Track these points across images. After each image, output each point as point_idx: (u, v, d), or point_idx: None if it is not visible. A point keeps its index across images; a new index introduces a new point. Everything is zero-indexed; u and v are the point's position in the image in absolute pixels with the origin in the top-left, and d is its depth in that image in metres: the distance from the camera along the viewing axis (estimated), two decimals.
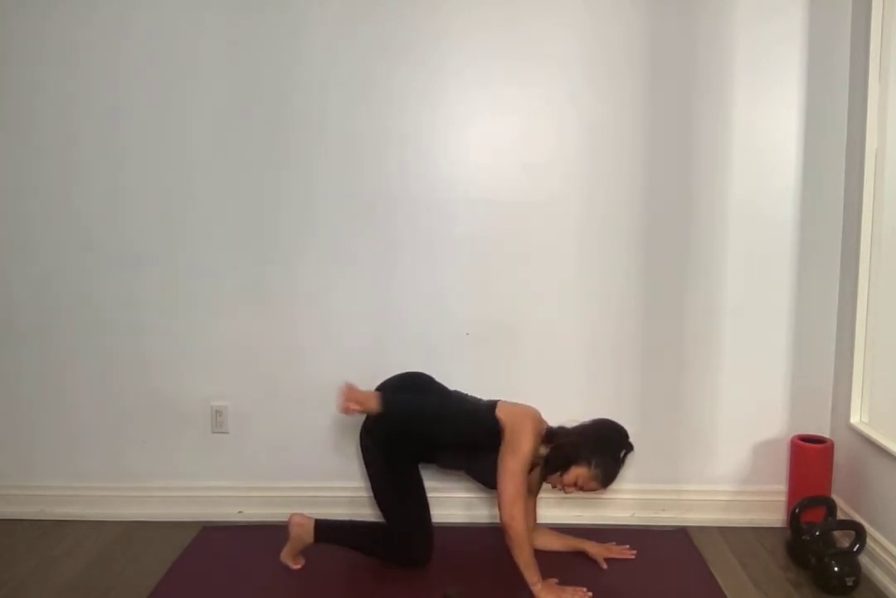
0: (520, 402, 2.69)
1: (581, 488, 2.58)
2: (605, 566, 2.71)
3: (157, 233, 3.07)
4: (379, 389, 2.72)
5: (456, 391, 2.78)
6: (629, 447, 2.61)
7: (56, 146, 3.04)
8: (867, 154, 2.76)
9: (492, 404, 2.67)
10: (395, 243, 3.05)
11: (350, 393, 2.56)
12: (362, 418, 2.73)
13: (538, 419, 2.61)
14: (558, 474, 2.56)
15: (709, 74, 2.94)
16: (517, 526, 2.45)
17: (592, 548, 2.77)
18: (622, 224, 3.01)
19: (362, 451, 2.74)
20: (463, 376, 2.94)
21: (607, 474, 2.56)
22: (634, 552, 2.80)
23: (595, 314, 3.05)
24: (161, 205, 3.06)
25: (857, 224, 2.81)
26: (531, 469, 2.65)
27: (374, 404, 2.57)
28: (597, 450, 2.55)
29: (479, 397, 2.77)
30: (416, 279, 3.05)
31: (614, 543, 2.83)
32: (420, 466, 2.74)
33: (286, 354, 3.05)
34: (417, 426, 2.64)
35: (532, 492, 2.76)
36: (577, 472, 2.54)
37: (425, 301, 3.06)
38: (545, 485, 2.69)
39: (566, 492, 2.61)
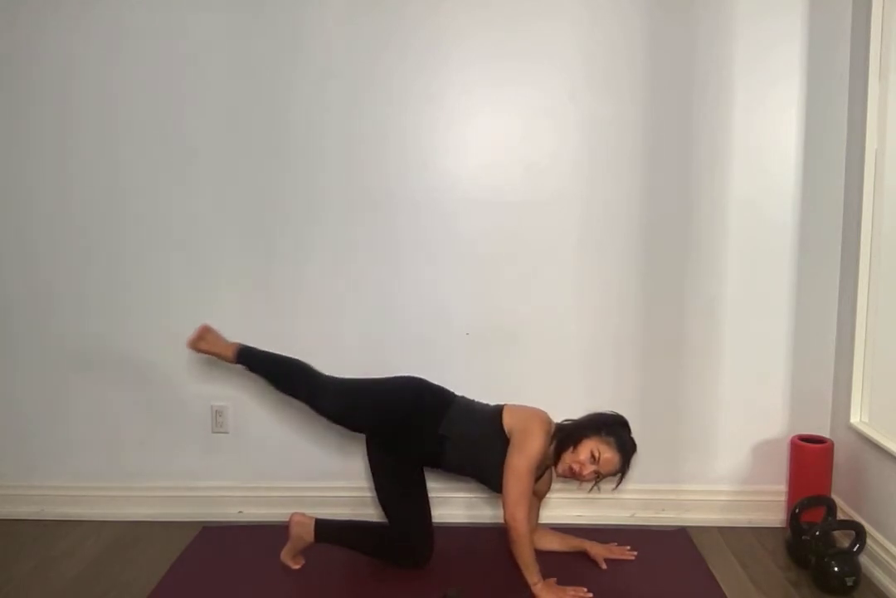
0: (526, 404, 2.68)
1: (600, 468, 2.47)
2: (604, 566, 2.71)
3: (156, 233, 3.07)
4: (389, 396, 2.72)
5: (462, 397, 2.76)
6: (635, 446, 2.56)
7: (53, 145, 3.04)
8: (867, 154, 2.76)
9: (498, 409, 2.66)
10: (395, 243, 3.05)
11: (203, 332, 2.72)
12: None
13: (547, 420, 2.60)
14: (570, 450, 2.48)
15: (709, 74, 2.94)
16: (519, 527, 2.44)
17: (593, 548, 2.77)
18: (622, 224, 3.01)
19: (368, 453, 2.73)
20: (463, 377, 2.94)
21: (621, 441, 2.49)
22: (635, 553, 2.79)
23: (595, 314, 3.05)
24: (160, 205, 3.06)
25: (857, 224, 2.81)
26: (541, 474, 2.64)
27: (227, 353, 2.72)
28: (602, 423, 2.53)
29: (485, 402, 2.75)
30: (416, 279, 3.05)
31: (615, 544, 2.83)
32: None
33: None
34: (420, 428, 2.64)
35: (539, 496, 2.75)
36: (589, 444, 2.47)
37: (425, 301, 3.06)
38: (562, 485, 2.64)
39: (584, 477, 2.48)
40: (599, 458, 2.47)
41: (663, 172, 2.99)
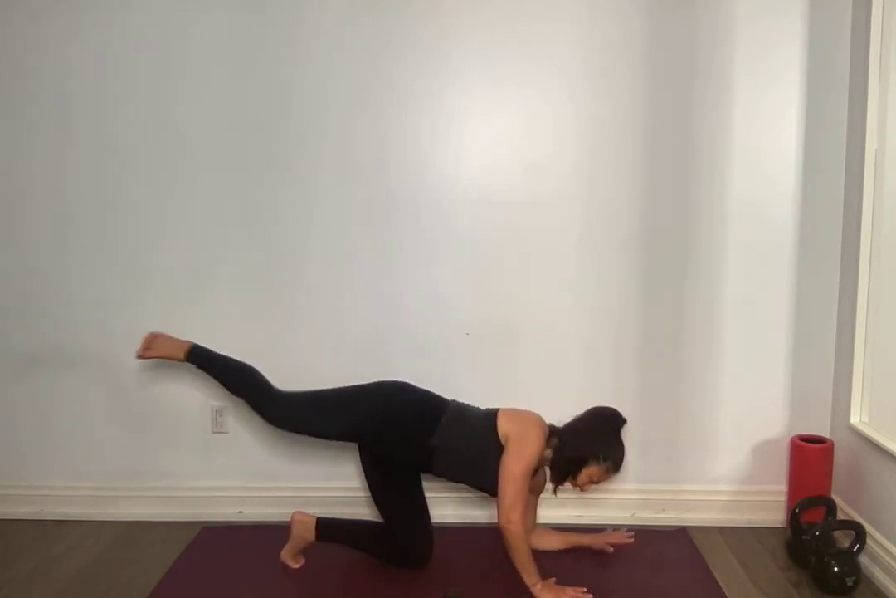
0: (521, 408, 2.66)
1: (598, 483, 2.58)
2: (611, 550, 2.76)
3: (156, 234, 3.07)
4: (375, 399, 2.68)
5: (454, 401, 2.72)
6: (624, 421, 2.61)
7: (53, 146, 3.04)
8: (867, 154, 2.76)
9: (492, 414, 2.64)
10: (395, 243, 3.05)
11: (150, 339, 2.67)
12: None
13: (542, 425, 2.60)
14: (570, 478, 2.55)
15: (709, 74, 2.94)
16: (515, 530, 2.44)
17: (592, 540, 2.79)
18: (622, 224, 3.01)
19: (361, 459, 2.72)
20: (462, 376, 2.94)
21: (617, 461, 2.56)
22: (632, 533, 2.82)
23: (595, 314, 3.05)
24: (161, 206, 3.06)
25: (857, 224, 2.81)
26: (535, 472, 2.65)
27: (178, 353, 2.66)
28: (600, 443, 2.55)
29: (481, 404, 2.73)
30: (416, 279, 3.05)
31: (610, 529, 2.86)
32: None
33: (286, 354, 3.05)
34: (411, 440, 2.61)
35: (535, 493, 2.76)
36: (589, 471, 2.53)
37: (425, 301, 3.06)
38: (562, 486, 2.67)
39: (583, 491, 2.59)
40: (599, 481, 2.57)
41: (663, 172, 2.99)
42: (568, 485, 2.60)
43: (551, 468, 2.59)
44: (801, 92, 2.94)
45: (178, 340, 2.71)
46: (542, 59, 2.95)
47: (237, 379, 2.71)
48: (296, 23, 2.96)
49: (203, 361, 2.70)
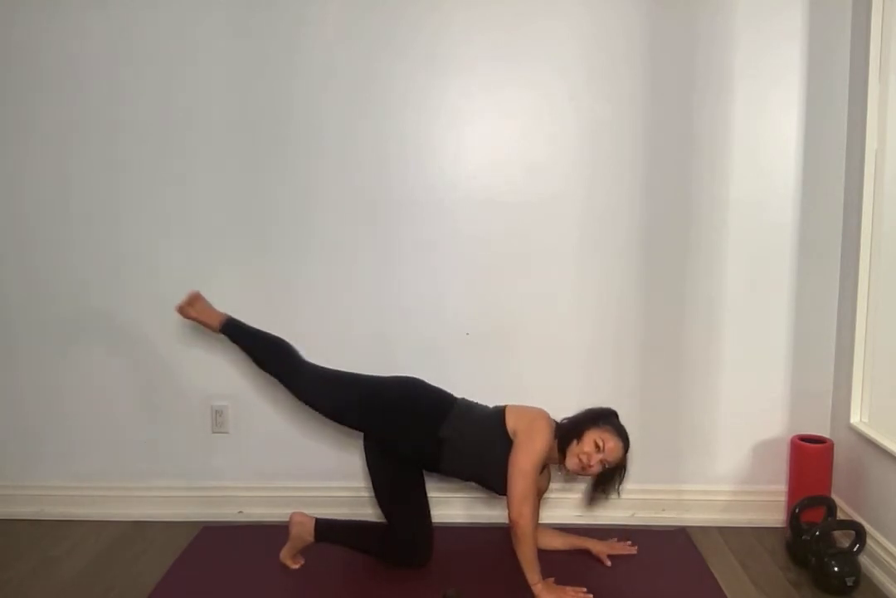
0: (527, 404, 2.68)
1: (606, 456, 2.51)
2: (608, 563, 2.72)
3: (156, 233, 3.07)
4: (388, 397, 2.70)
5: (462, 399, 2.74)
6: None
7: (56, 143, 3.04)
8: (867, 154, 2.76)
9: (500, 410, 2.65)
10: (396, 244, 3.05)
11: (194, 297, 2.72)
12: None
13: (550, 419, 2.61)
14: (575, 442, 2.52)
15: (709, 74, 2.94)
16: (525, 524, 2.44)
17: (595, 546, 2.78)
18: (622, 224, 3.01)
19: (366, 455, 2.73)
20: (463, 376, 2.94)
21: (619, 429, 2.57)
22: (636, 547, 2.81)
23: (595, 314, 3.06)
24: (160, 205, 3.06)
25: (857, 224, 2.81)
26: (541, 470, 2.65)
27: (214, 322, 2.72)
28: (598, 415, 2.60)
29: (485, 403, 2.74)
30: (417, 279, 3.05)
31: (615, 539, 2.84)
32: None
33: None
34: (419, 431, 2.63)
35: (539, 493, 2.75)
36: (592, 435, 2.53)
37: (425, 301, 3.06)
38: (563, 485, 2.65)
39: (592, 467, 2.51)
40: (604, 446, 2.52)
41: (663, 172, 2.99)
42: (578, 468, 2.55)
43: (558, 444, 2.56)
44: (801, 92, 2.94)
45: (216, 310, 2.76)
46: (542, 60, 2.95)
47: (268, 353, 2.74)
48: (296, 22, 2.96)
49: (236, 333, 2.74)
